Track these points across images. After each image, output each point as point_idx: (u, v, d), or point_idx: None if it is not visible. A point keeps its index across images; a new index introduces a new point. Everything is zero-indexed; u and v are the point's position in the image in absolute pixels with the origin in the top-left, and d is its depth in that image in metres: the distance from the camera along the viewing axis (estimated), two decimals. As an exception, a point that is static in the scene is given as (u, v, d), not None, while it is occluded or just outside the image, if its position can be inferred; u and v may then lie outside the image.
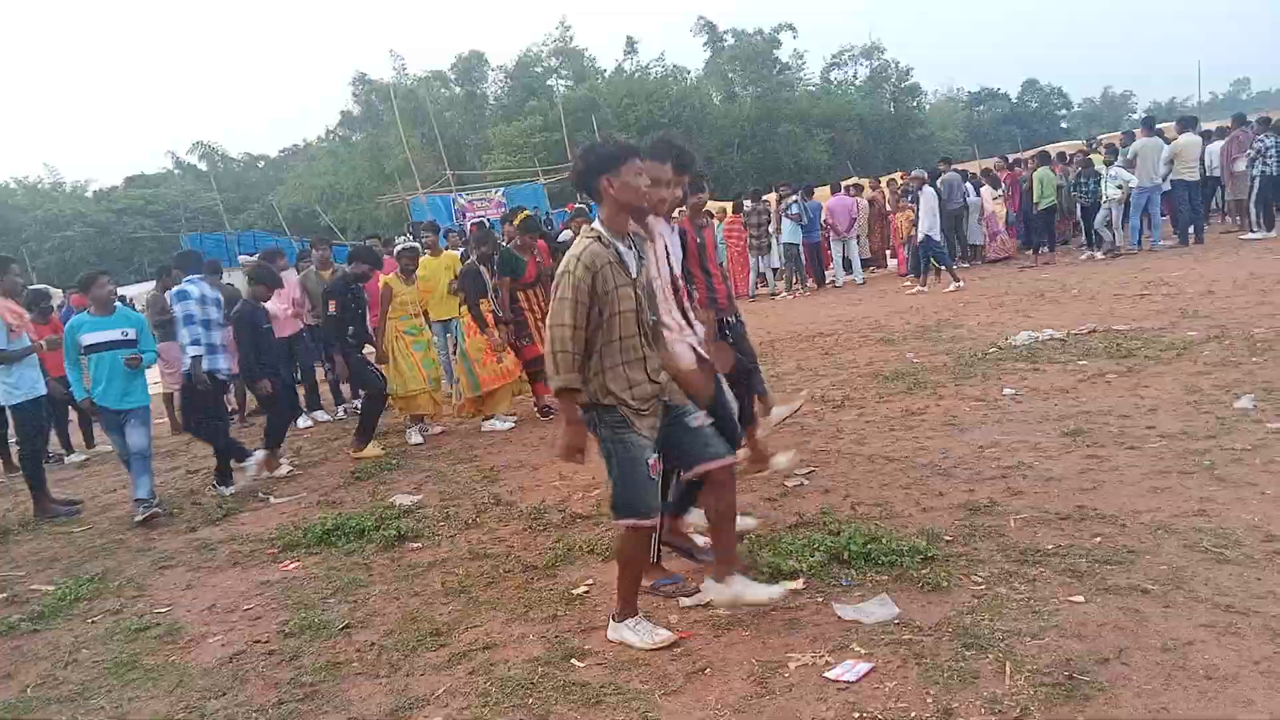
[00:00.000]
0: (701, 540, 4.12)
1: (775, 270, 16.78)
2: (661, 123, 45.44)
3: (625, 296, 3.27)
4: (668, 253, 3.97)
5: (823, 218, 15.81)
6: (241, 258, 19.43)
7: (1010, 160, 18.48)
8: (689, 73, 52.36)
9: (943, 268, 13.66)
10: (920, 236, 13.56)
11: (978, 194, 15.98)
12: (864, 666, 2.99)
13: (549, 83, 51.99)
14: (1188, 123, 13.93)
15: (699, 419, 3.49)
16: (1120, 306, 9.33)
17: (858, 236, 16.39)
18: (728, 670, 3.12)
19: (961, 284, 12.93)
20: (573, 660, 3.36)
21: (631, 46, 53.95)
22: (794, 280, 16.33)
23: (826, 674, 2.97)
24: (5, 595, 5.14)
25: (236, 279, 13.22)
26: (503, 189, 33.32)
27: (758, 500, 4.91)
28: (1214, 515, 3.87)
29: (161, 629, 4.31)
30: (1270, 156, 13.29)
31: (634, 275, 3.33)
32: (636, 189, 3.32)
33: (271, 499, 6.54)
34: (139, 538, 6.00)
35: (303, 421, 9.64)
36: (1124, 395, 5.98)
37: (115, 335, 6.47)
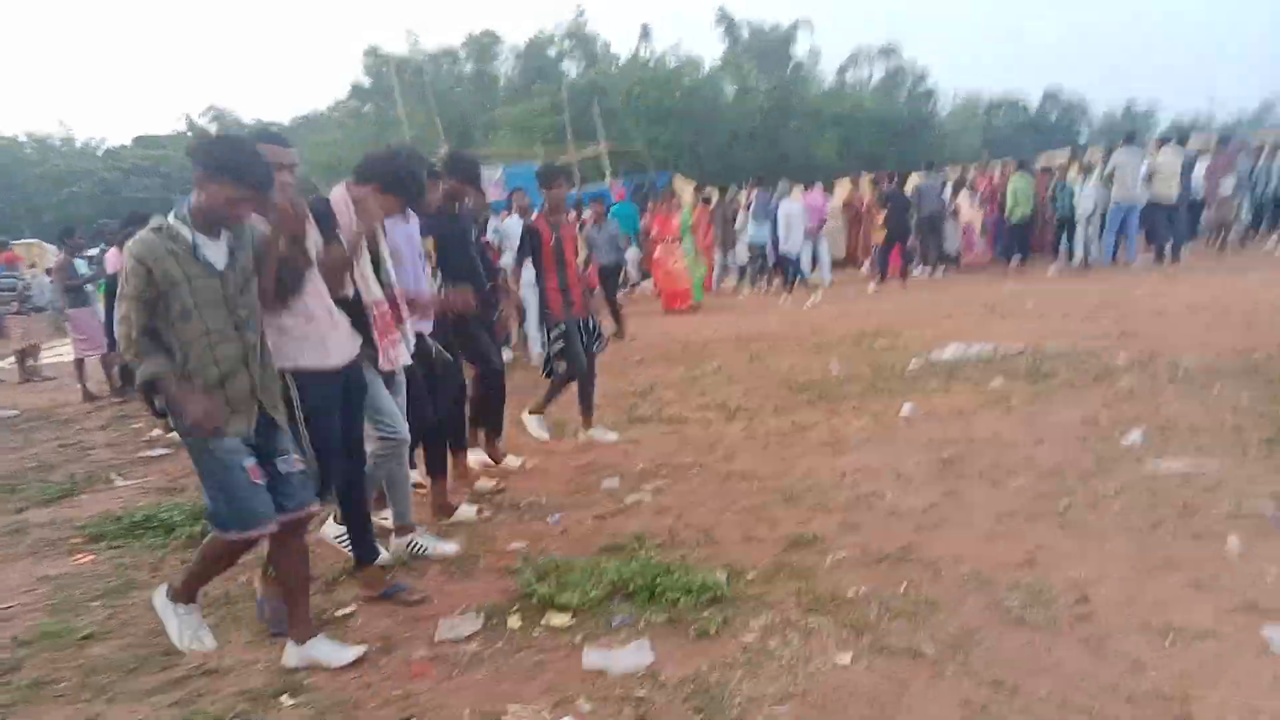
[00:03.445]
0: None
1: (742, 269, 16.39)
2: (671, 111, 44.91)
3: (203, 289, 2.89)
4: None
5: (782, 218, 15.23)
6: None
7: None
8: (703, 63, 51.71)
9: (794, 281, 14.82)
10: (781, 252, 14.72)
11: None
12: (572, 728, 2.65)
13: (561, 66, 51.41)
14: (1167, 139, 13.42)
15: (289, 463, 3.12)
16: (1067, 324, 8.90)
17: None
18: (432, 721, 2.78)
19: (787, 299, 13.68)
20: (284, 696, 3.02)
21: (646, 33, 53.36)
22: (756, 279, 15.93)
23: (521, 736, 2.63)
24: None
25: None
26: (502, 169, 32.92)
27: (588, 518, 4.56)
28: (1039, 567, 3.49)
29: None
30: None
31: (219, 268, 2.94)
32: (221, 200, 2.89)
33: (118, 480, 6.22)
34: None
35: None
36: (1018, 422, 5.59)
37: None
